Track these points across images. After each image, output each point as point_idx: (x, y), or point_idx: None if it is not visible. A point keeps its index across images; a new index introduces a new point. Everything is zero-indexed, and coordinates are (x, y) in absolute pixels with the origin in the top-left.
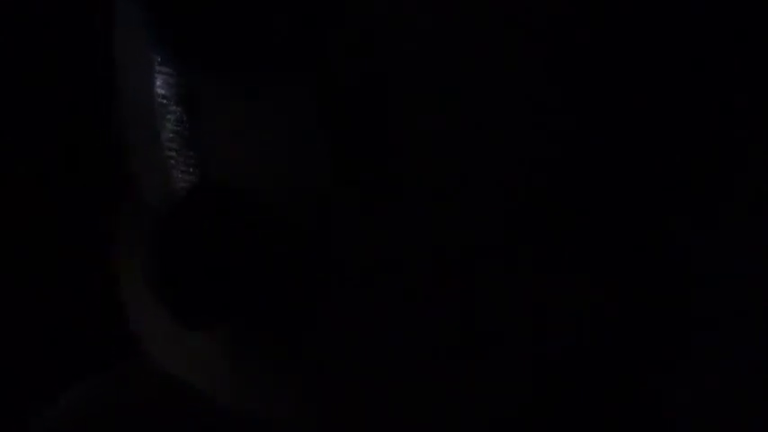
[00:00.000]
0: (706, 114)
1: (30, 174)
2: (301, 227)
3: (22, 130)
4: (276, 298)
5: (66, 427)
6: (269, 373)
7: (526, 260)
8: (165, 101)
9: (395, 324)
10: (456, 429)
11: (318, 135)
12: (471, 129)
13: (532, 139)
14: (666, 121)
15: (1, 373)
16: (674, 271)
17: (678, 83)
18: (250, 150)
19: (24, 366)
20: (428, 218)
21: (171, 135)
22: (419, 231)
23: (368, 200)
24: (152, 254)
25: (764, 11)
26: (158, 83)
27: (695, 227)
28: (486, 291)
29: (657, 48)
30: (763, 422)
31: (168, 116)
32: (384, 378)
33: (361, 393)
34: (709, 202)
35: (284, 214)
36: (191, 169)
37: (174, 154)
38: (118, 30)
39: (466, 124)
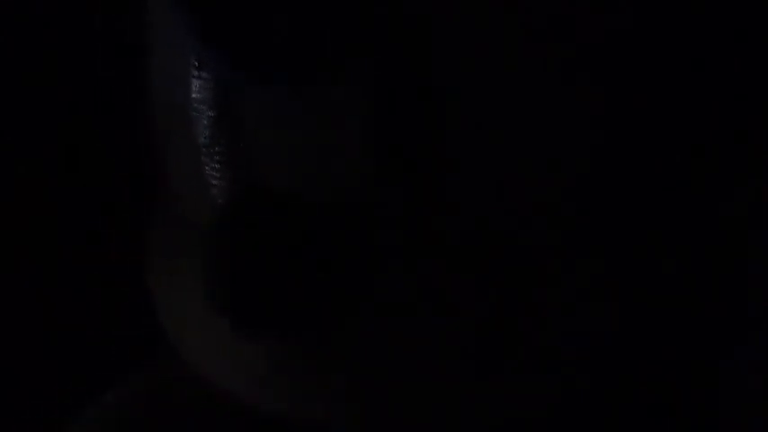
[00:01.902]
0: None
1: (59, 178)
2: (346, 229)
3: (26, 130)
4: (324, 300)
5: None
6: (310, 374)
7: (561, 262)
8: (205, 106)
9: (435, 328)
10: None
11: (364, 138)
12: (517, 135)
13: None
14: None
15: (34, 376)
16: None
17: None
18: (296, 154)
19: (57, 368)
20: (470, 220)
21: (213, 141)
22: (461, 234)
23: (414, 203)
24: (213, 271)
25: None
26: (198, 88)
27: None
28: (526, 294)
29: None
30: None
31: (212, 122)
32: (421, 379)
33: (399, 393)
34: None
35: (329, 217)
36: (234, 176)
37: (216, 161)
38: (155, 37)
39: (514, 130)
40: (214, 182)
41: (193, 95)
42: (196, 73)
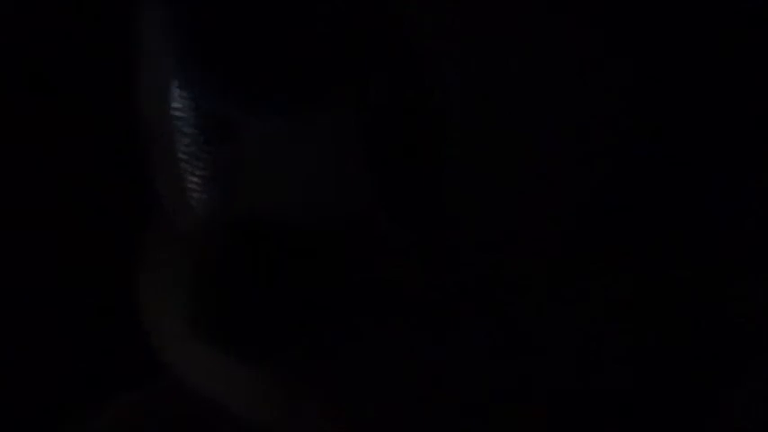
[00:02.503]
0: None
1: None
2: (337, 254)
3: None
4: (316, 326)
5: None
6: (305, 394)
7: (575, 283)
8: (194, 129)
9: (436, 351)
10: None
11: (356, 162)
12: (522, 160)
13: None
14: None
15: (27, 392)
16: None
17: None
18: (287, 179)
19: (50, 385)
20: (473, 245)
21: (202, 164)
22: (464, 259)
23: (410, 226)
24: (195, 294)
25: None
26: (188, 111)
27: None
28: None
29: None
30: None
31: (200, 145)
32: (420, 403)
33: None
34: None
35: (321, 243)
36: (225, 200)
37: (205, 184)
38: (144, 59)
39: (517, 155)
40: (197, 197)
41: (175, 113)
42: (178, 91)
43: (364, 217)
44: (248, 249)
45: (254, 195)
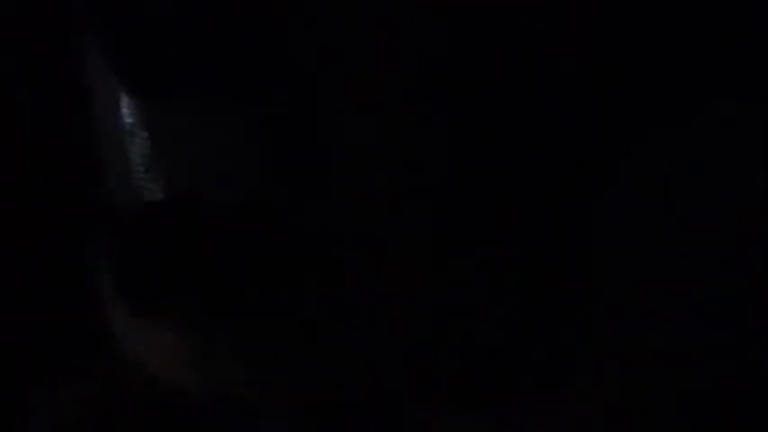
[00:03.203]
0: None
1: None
2: (243, 226)
3: None
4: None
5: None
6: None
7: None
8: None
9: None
10: None
11: (261, 150)
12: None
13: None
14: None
15: None
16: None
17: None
18: (202, 166)
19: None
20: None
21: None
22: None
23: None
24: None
25: None
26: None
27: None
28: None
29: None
30: None
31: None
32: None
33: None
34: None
35: (231, 218)
36: (151, 186)
37: (138, 173)
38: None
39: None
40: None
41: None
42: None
43: (274, 197)
44: (172, 224)
45: (183, 183)
